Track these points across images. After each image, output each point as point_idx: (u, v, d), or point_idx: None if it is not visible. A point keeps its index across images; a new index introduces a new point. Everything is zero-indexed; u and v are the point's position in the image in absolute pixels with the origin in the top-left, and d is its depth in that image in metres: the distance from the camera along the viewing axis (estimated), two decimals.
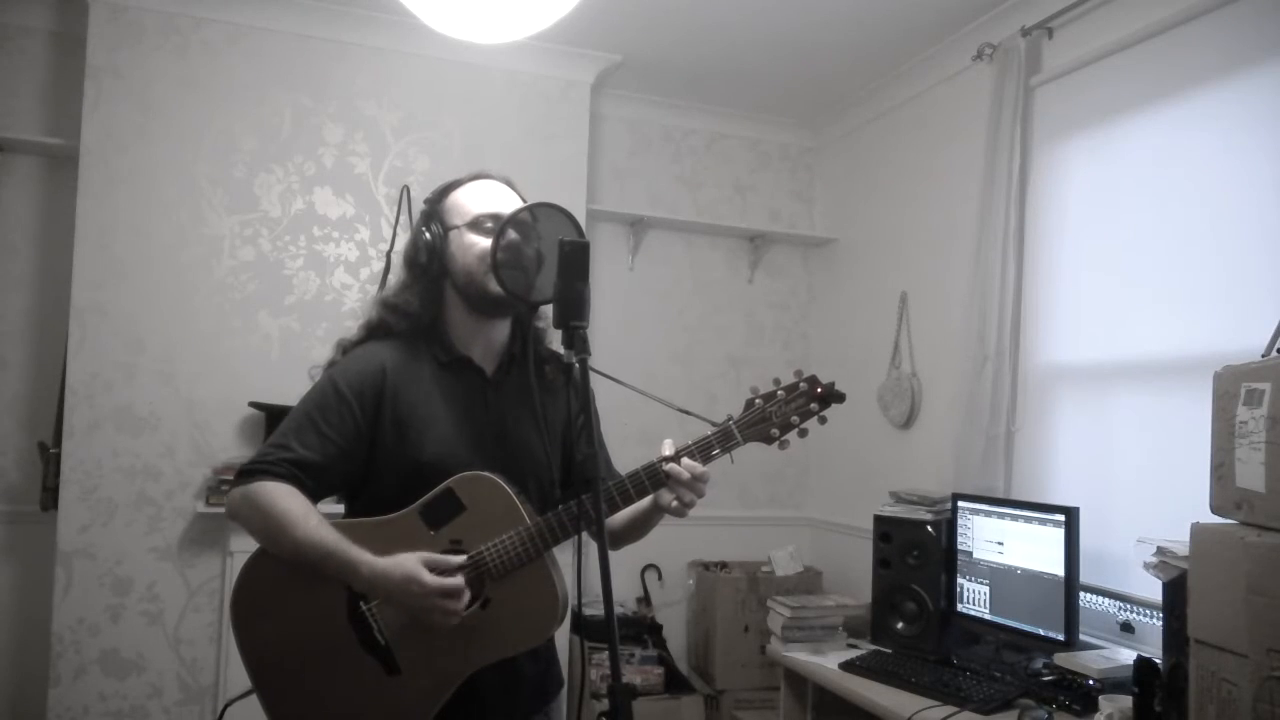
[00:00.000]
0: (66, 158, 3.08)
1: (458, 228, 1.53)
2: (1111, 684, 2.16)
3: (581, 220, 1.74)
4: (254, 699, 1.49)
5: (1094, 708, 2.12)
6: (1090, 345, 2.69)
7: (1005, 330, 2.85)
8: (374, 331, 1.57)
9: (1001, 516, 2.62)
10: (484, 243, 1.48)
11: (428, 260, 1.53)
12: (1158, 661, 1.98)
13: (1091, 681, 2.21)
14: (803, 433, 1.45)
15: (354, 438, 1.47)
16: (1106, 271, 2.64)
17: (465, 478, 1.44)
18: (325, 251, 3.25)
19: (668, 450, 1.44)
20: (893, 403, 3.51)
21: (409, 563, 1.36)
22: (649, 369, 3.89)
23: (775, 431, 1.44)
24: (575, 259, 1.29)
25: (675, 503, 1.42)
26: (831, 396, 1.44)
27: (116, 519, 2.97)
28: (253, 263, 3.16)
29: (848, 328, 3.95)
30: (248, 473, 1.44)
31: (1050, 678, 2.34)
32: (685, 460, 1.42)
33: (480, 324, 1.56)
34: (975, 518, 2.70)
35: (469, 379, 1.55)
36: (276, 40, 3.20)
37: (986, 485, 2.84)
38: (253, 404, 3.07)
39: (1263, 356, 1.70)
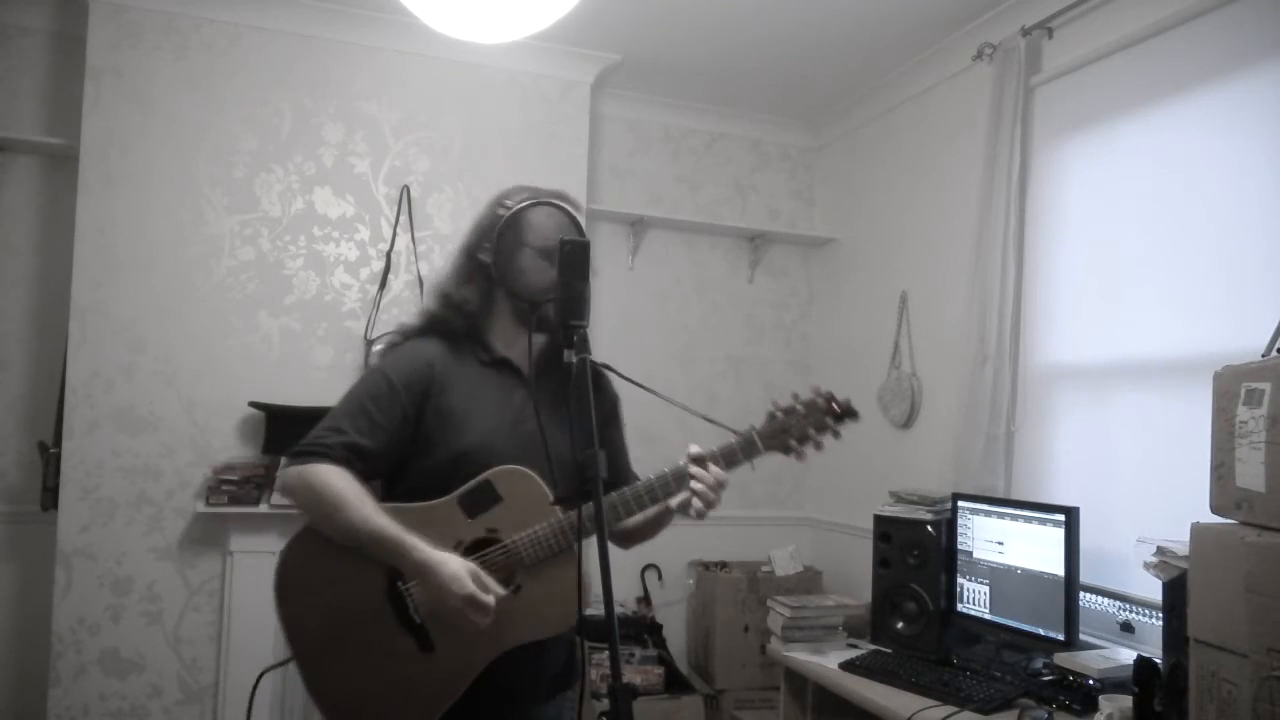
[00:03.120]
0: (66, 158, 3.08)
1: (532, 247, 1.57)
2: (1111, 684, 2.16)
3: (582, 220, 1.75)
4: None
5: (1094, 708, 2.12)
6: (1090, 345, 2.69)
7: (1005, 330, 2.85)
8: (433, 325, 1.64)
9: (1001, 516, 2.62)
10: (554, 273, 1.50)
11: (493, 261, 1.59)
12: (1158, 661, 1.98)
13: (1091, 681, 2.21)
14: (818, 446, 1.56)
15: (401, 426, 1.55)
16: (1106, 271, 2.64)
17: (503, 471, 1.52)
18: (325, 251, 3.25)
19: (693, 453, 1.53)
20: (893, 403, 3.51)
21: (456, 564, 1.44)
22: (649, 368, 3.88)
23: (794, 443, 1.55)
24: (575, 259, 1.30)
25: (697, 503, 1.50)
26: (847, 413, 1.56)
27: (116, 519, 2.97)
28: (253, 263, 3.16)
29: (848, 328, 3.95)
30: (305, 453, 1.51)
31: (1050, 678, 2.34)
32: (711, 466, 1.51)
33: (522, 332, 1.62)
34: (975, 518, 2.70)
35: (508, 379, 1.63)
36: (276, 40, 3.20)
37: (986, 485, 2.84)
38: (253, 404, 3.07)
39: (1263, 356, 1.70)
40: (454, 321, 1.62)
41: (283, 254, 3.20)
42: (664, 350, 3.99)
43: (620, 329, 3.86)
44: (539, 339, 1.63)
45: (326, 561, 1.51)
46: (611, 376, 1.70)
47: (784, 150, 4.23)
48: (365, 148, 3.30)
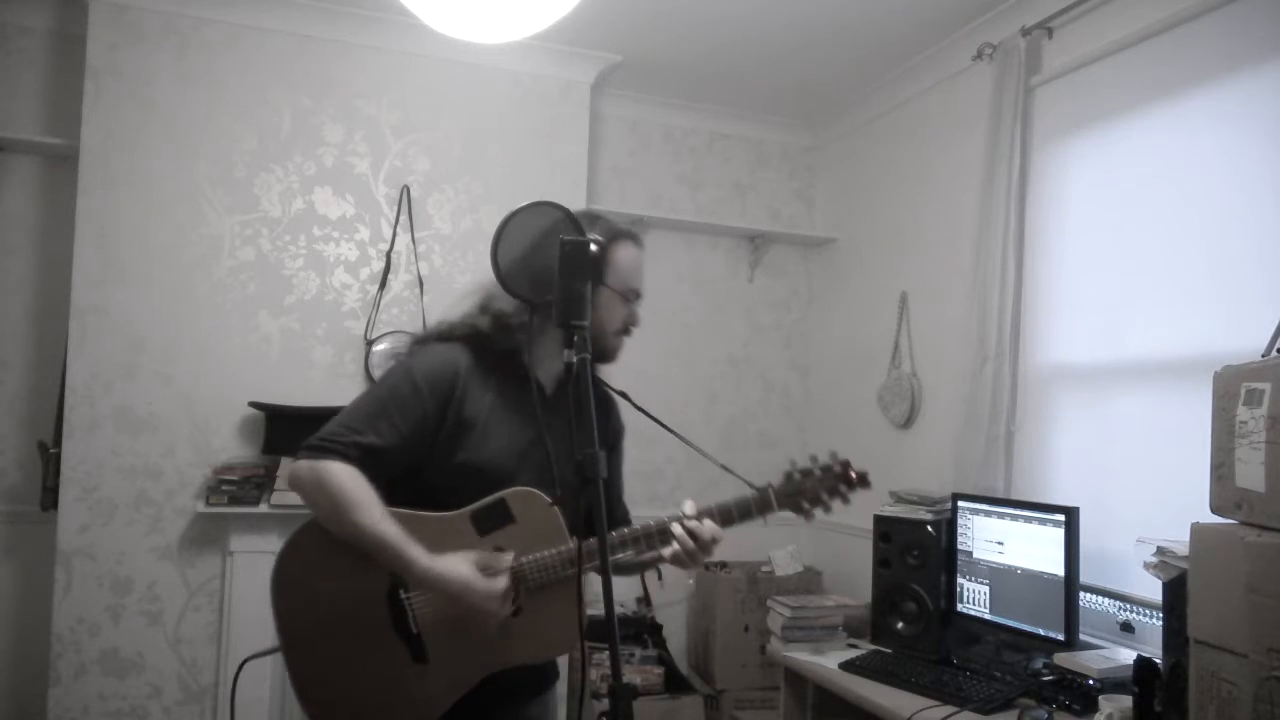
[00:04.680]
0: (66, 158, 3.08)
1: (610, 288, 1.58)
2: (1111, 684, 2.16)
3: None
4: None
5: (1094, 708, 2.12)
6: (1090, 345, 2.69)
7: (1005, 330, 2.85)
8: (473, 338, 1.60)
9: (1001, 516, 2.62)
10: (624, 313, 1.61)
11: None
12: (1158, 661, 1.98)
13: (1091, 681, 2.21)
14: (827, 509, 1.61)
15: (419, 431, 1.52)
16: (1106, 271, 2.64)
17: (519, 492, 1.52)
18: (325, 251, 3.25)
19: (689, 509, 1.55)
20: (893, 403, 3.51)
21: (463, 568, 1.45)
22: (648, 368, 3.89)
23: (806, 504, 1.59)
24: (575, 258, 1.30)
25: (684, 559, 1.54)
26: (861, 482, 1.61)
27: (116, 519, 2.97)
28: (253, 263, 3.16)
29: (848, 328, 3.95)
30: (319, 449, 1.48)
31: (1050, 678, 2.34)
32: (707, 522, 1.54)
33: (561, 356, 1.60)
34: (975, 518, 2.70)
35: (529, 396, 1.60)
36: (276, 40, 3.20)
37: (986, 485, 2.84)
38: (253, 404, 3.07)
39: (1263, 356, 1.70)
40: (499, 341, 1.58)
41: (283, 254, 3.20)
42: (664, 350, 3.99)
43: None
44: (561, 366, 1.63)
45: (329, 559, 1.50)
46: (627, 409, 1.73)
47: (784, 150, 4.23)
48: (365, 148, 3.30)
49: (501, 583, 1.45)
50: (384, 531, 1.44)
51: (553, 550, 1.50)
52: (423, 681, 1.49)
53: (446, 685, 1.49)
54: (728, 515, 1.56)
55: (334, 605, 1.51)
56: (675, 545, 1.53)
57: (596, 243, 1.56)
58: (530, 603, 1.51)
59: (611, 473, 1.77)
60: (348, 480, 1.45)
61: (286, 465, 3.03)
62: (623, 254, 1.61)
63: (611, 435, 1.76)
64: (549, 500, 1.52)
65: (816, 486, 1.59)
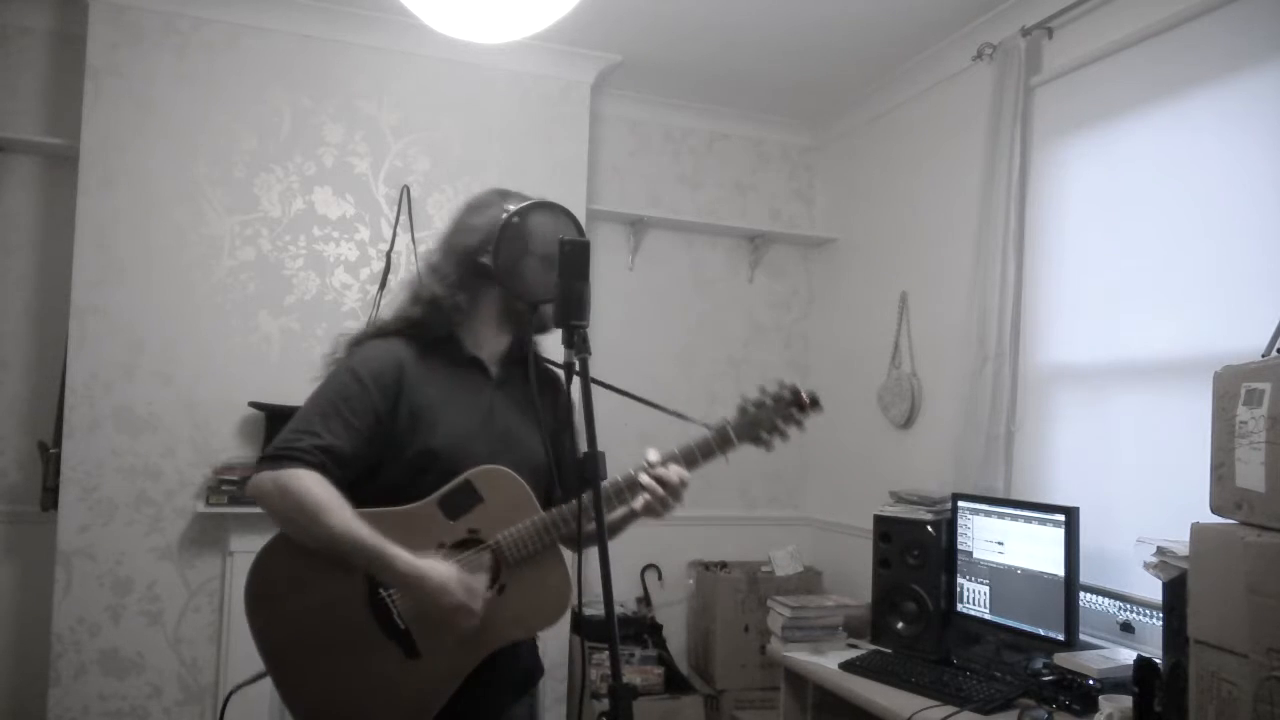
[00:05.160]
0: (66, 158, 3.08)
1: (539, 254, 1.55)
2: (1111, 684, 2.16)
3: (581, 220, 1.76)
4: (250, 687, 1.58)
5: (1094, 708, 2.12)
6: (1090, 345, 2.69)
7: (1005, 330, 2.85)
8: (410, 327, 1.59)
9: (1001, 516, 2.62)
10: (554, 279, 1.55)
11: (497, 266, 1.55)
12: (1158, 661, 1.98)
13: (1091, 681, 2.21)
14: (784, 437, 1.62)
15: (374, 425, 1.50)
16: (1107, 271, 2.64)
17: (482, 471, 1.50)
18: (325, 251, 3.25)
19: (653, 457, 1.55)
20: (893, 403, 3.51)
21: (442, 572, 1.43)
22: (649, 369, 3.89)
23: (764, 435, 1.60)
24: (575, 258, 1.30)
25: (656, 506, 1.54)
26: (813, 405, 1.61)
27: (116, 519, 2.97)
28: (253, 263, 3.16)
29: (848, 328, 3.95)
30: (277, 458, 1.45)
31: (1050, 678, 2.34)
32: (672, 466, 1.54)
33: (501, 333, 1.63)
34: (975, 518, 2.70)
35: (477, 379, 1.61)
36: (276, 40, 3.20)
37: (986, 485, 2.84)
38: (253, 404, 3.07)
39: (1263, 356, 1.70)
40: (437, 326, 1.57)
41: (283, 254, 3.20)
42: (664, 350, 3.99)
43: (620, 329, 3.86)
44: (509, 337, 1.63)
45: (302, 570, 1.46)
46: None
47: (784, 150, 4.23)
48: (365, 148, 3.30)
49: (476, 604, 1.43)
50: (357, 531, 1.41)
51: (526, 523, 1.49)
52: (418, 676, 1.47)
53: (443, 675, 1.48)
54: (691, 456, 1.57)
55: (314, 616, 1.47)
56: (645, 495, 1.53)
57: (517, 214, 1.56)
58: (513, 579, 1.49)
59: (568, 449, 1.70)
60: (313, 485, 1.41)
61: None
62: (540, 219, 1.57)
63: (562, 413, 1.70)
64: (514, 474, 1.51)
65: (771, 415, 1.59)
